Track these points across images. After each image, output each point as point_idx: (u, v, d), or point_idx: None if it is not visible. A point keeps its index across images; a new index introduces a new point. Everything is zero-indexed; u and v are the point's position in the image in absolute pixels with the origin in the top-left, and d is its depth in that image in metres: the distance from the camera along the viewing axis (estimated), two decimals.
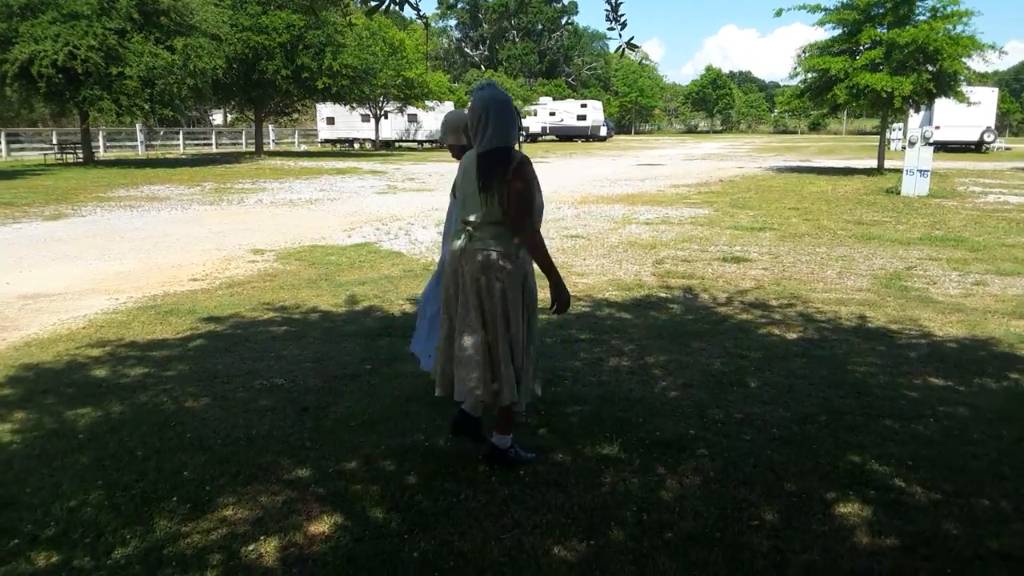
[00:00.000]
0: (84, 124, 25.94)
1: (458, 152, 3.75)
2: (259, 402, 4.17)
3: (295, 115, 47.52)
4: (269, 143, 45.35)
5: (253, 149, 37.35)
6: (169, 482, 3.22)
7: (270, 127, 46.94)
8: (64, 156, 27.44)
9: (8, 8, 21.85)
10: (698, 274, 7.93)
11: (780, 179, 21.21)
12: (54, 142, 30.49)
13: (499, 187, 3.15)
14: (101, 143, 33.60)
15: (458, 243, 3.27)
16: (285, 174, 23.28)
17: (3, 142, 30.80)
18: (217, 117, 57.88)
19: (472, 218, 3.22)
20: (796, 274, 7.96)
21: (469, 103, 3.30)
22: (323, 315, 6.21)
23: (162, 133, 39.46)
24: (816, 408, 4.10)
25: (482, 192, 3.17)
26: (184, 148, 39.01)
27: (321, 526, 2.87)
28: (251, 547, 2.74)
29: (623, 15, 3.08)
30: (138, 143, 36.14)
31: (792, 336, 5.57)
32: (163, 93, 23.49)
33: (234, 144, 44.47)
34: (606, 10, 3.04)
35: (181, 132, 39.58)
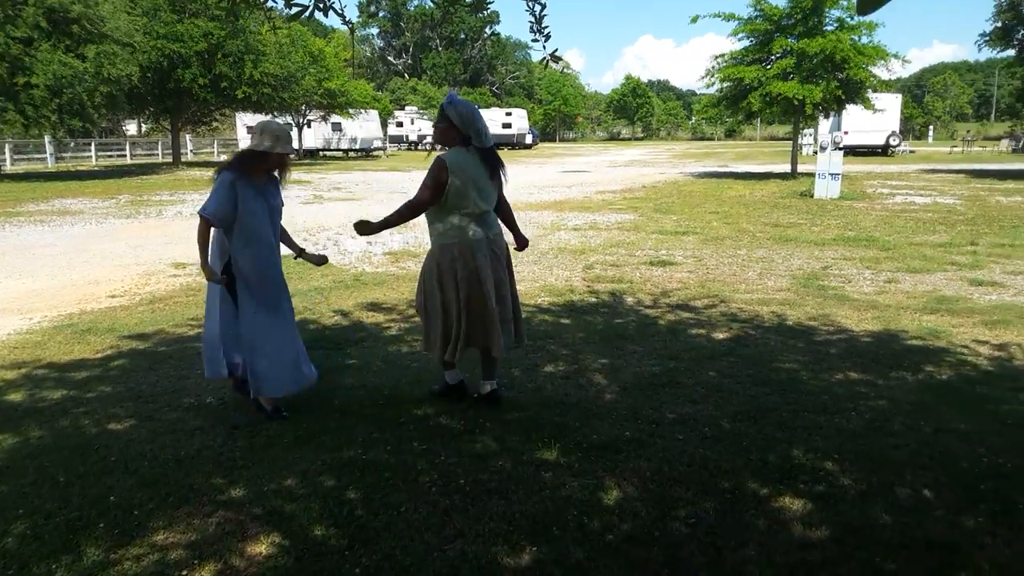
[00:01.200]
0: None
1: (276, 161, 4.04)
2: (187, 421, 4.04)
3: (214, 124, 46.19)
4: (187, 153, 43.98)
5: (170, 160, 36.14)
6: (95, 508, 3.08)
7: (187, 137, 45.53)
8: None
9: None
10: (627, 278, 8.07)
11: (700, 184, 21.80)
12: None
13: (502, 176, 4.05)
14: (8, 156, 31.96)
15: (481, 230, 3.97)
16: (205, 185, 22.59)
17: None
18: (131, 127, 55.85)
19: (485, 206, 3.97)
20: (719, 276, 8.19)
21: (456, 111, 3.89)
22: None
23: (73, 145, 37.78)
24: (744, 405, 4.23)
25: (492, 180, 3.99)
26: (97, 160, 37.44)
27: (259, 546, 2.80)
28: (185, 572, 2.65)
29: (547, 27, 3.13)
30: (47, 155, 34.51)
31: (719, 336, 5.73)
32: (72, 102, 22.51)
33: (150, 155, 42.96)
34: (530, 23, 3.09)
35: (93, 143, 37.98)
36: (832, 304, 6.82)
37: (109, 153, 40.35)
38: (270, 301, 4.07)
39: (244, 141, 46.90)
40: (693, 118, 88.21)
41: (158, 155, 42.28)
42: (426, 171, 3.94)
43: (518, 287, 7.63)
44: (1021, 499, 3.14)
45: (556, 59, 3.23)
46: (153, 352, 5.42)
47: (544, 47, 3.19)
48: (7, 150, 31.91)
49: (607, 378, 4.73)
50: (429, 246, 4.14)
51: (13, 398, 4.46)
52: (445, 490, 3.23)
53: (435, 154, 3.99)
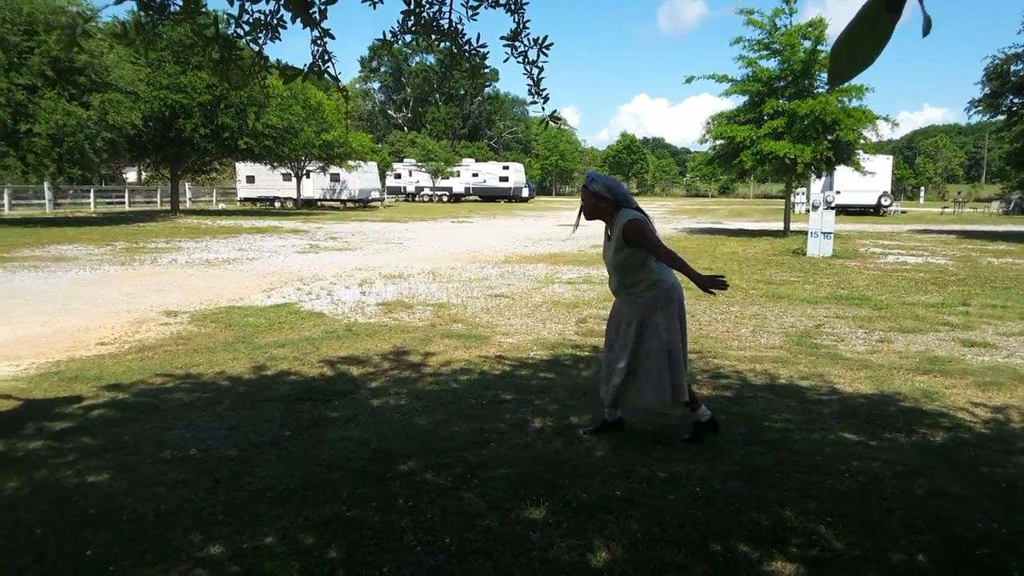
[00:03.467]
0: None
1: None
2: (169, 474, 3.96)
3: (213, 173, 46.68)
4: (186, 201, 44.28)
5: (168, 207, 36.38)
6: (70, 563, 2.99)
7: (187, 185, 45.91)
8: None
9: None
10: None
11: (694, 240, 21.95)
12: None
13: None
14: (6, 201, 32.12)
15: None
16: (202, 233, 22.71)
17: None
18: (131, 175, 56.33)
19: None
20: (712, 332, 8.18)
21: (602, 184, 4.49)
22: (239, 380, 6.00)
23: (72, 191, 38.04)
24: (736, 465, 4.17)
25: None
26: (95, 206, 37.65)
27: None
28: None
29: (545, 90, 3.18)
30: (46, 200, 34.70)
31: (711, 393, 5.69)
32: (72, 151, 22.75)
33: (148, 202, 43.24)
34: (528, 85, 3.13)
35: (92, 190, 38.25)
36: (825, 363, 6.79)
37: (108, 200, 40.63)
38: None
39: (244, 190, 47.39)
40: (687, 175, 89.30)
41: (157, 203, 42.57)
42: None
43: (511, 339, 7.63)
44: (1016, 564, 3.08)
45: (555, 119, 3.28)
46: (138, 402, 5.35)
47: (543, 108, 3.25)
48: (6, 195, 32.11)
49: (600, 435, 4.67)
50: (637, 296, 4.44)
51: None
52: (430, 549, 3.15)
53: (590, 222, 4.68)
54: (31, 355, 6.85)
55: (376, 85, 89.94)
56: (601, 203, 4.46)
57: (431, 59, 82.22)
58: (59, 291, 10.78)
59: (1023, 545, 3.26)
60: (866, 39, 1.25)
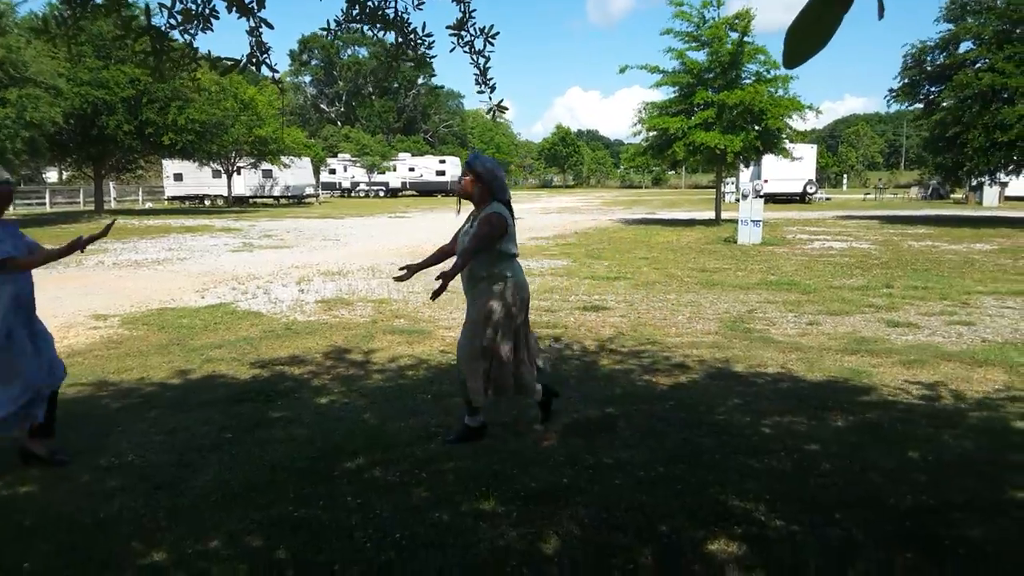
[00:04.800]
0: None
1: None
2: (107, 482, 3.85)
3: (139, 172, 45.12)
4: (110, 201, 42.72)
5: (92, 207, 35.04)
6: None
7: (111, 184, 44.28)
8: None
9: None
10: (562, 323, 8.14)
11: (630, 231, 22.30)
12: None
13: None
14: None
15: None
16: (129, 233, 21.96)
17: None
18: (51, 175, 54.01)
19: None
20: (651, 320, 8.34)
21: (483, 166, 4.27)
22: (175, 384, 5.85)
23: None
24: (678, 449, 4.28)
25: (513, 231, 4.33)
26: (14, 208, 35.97)
27: None
28: None
29: (492, 80, 3.19)
30: None
31: (652, 380, 5.82)
32: None
33: (71, 203, 41.59)
34: (475, 75, 3.15)
35: None
36: (759, 346, 7.01)
37: (28, 201, 38.93)
38: None
39: (172, 188, 45.95)
40: (621, 166, 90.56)
41: (80, 203, 40.99)
42: (479, 223, 4.24)
43: (453, 332, 7.63)
44: (947, 535, 3.24)
45: (502, 109, 3.30)
46: (69, 409, 5.16)
47: (490, 97, 3.27)
48: None
49: (545, 424, 4.72)
50: (480, 288, 4.32)
51: None
52: (380, 545, 3.15)
53: (467, 204, 4.43)
54: None
55: (308, 79, 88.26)
56: (476, 185, 4.27)
57: (364, 52, 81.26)
58: None
59: (952, 515, 3.44)
60: (818, 23, 1.31)
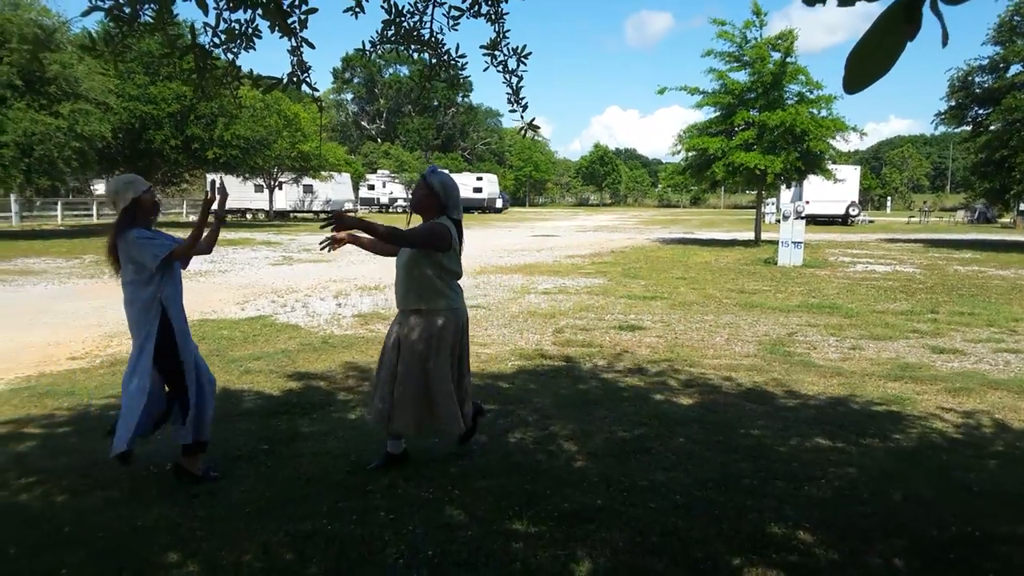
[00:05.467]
0: None
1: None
2: (145, 490, 3.91)
3: (184, 185, 46.13)
4: None
5: None
6: None
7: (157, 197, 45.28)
8: None
9: None
10: (596, 342, 8.09)
11: (667, 250, 22.15)
12: None
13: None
14: None
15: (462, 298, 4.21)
16: None
17: None
18: (100, 187, 55.44)
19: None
20: (687, 341, 8.25)
21: (439, 180, 4.10)
22: (214, 394, 5.91)
23: (39, 203, 37.35)
24: (715, 473, 4.21)
25: (459, 250, 4.14)
26: (63, 219, 37.01)
27: None
28: None
29: (524, 99, 3.20)
30: (12, 213, 34.04)
31: (688, 402, 5.74)
32: (42, 160, 22.38)
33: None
34: (507, 94, 3.16)
35: (60, 202, 37.60)
36: (798, 370, 6.88)
37: (76, 212, 39.95)
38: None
39: None
40: (659, 186, 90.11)
41: None
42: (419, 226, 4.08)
43: (489, 349, 7.63)
44: (990, 567, 3.13)
45: (534, 128, 3.30)
46: (111, 417, 5.25)
47: (522, 116, 3.27)
48: None
49: (577, 444, 4.69)
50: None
51: None
52: (412, 563, 3.13)
53: (417, 217, 4.16)
54: (1, 370, 6.72)
55: (349, 96, 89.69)
56: (430, 199, 4.09)
57: (405, 71, 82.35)
58: (27, 305, 10.58)
59: (995, 547, 3.33)
60: (881, 48, 1.28)
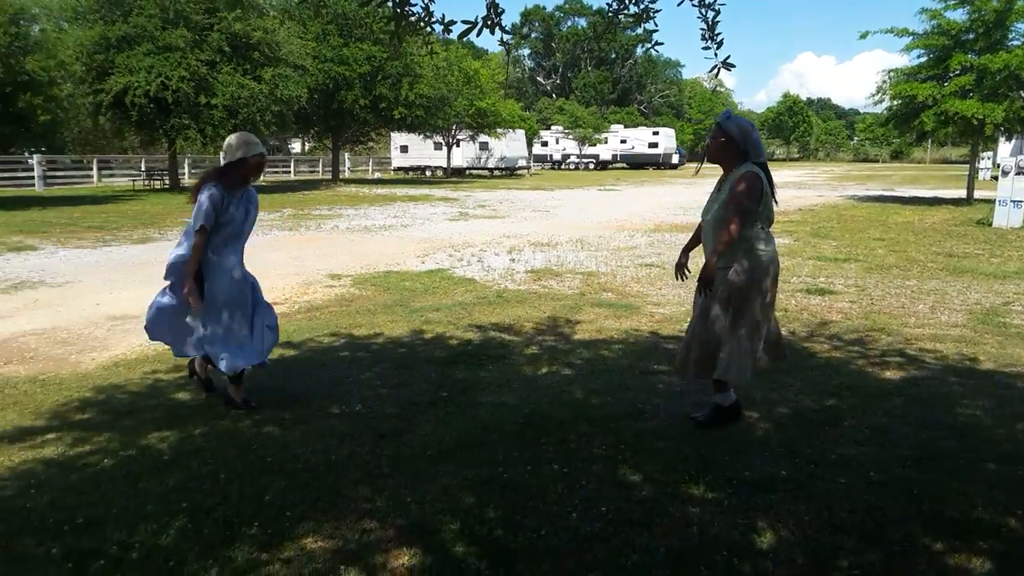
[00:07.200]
0: (171, 152, 27.08)
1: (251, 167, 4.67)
2: (338, 428, 4.18)
3: (370, 144, 48.70)
4: (345, 171, 46.55)
5: (330, 176, 38.41)
6: (251, 506, 3.22)
7: (346, 155, 48.20)
8: (151, 183, 28.71)
9: (107, 41, 23.11)
10: (781, 306, 7.65)
11: (863, 208, 20.55)
12: (142, 169, 31.92)
13: None
14: (187, 170, 35.07)
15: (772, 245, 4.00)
16: (360, 201, 23.81)
17: (95, 169, 32.44)
18: (295, 146, 59.80)
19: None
20: (885, 308, 7.61)
21: (736, 125, 3.91)
22: (399, 341, 6.23)
23: None
24: (915, 450, 3.86)
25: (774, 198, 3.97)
26: (264, 176, 40.40)
27: (400, 558, 2.82)
28: None
29: (720, 34, 3.00)
30: None
31: (885, 373, 5.30)
32: (246, 122, 24.43)
33: (311, 171, 45.82)
34: (701, 29, 2.98)
35: None
36: (1016, 343, 6.15)
37: (275, 169, 43.38)
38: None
39: (398, 159, 49.14)
40: (856, 138, 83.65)
41: (319, 172, 45.01)
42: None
43: (664, 309, 7.46)
44: None
45: (729, 66, 3.10)
46: (307, 359, 5.68)
47: (716, 54, 3.07)
48: (186, 165, 34.96)
49: (760, 411, 4.47)
50: (729, 261, 3.96)
51: (180, 397, 4.80)
52: (586, 516, 3.13)
53: (702, 169, 4.30)
54: None
55: (526, 52, 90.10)
56: (728, 147, 3.92)
57: (583, 23, 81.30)
58: None
59: None
60: None
